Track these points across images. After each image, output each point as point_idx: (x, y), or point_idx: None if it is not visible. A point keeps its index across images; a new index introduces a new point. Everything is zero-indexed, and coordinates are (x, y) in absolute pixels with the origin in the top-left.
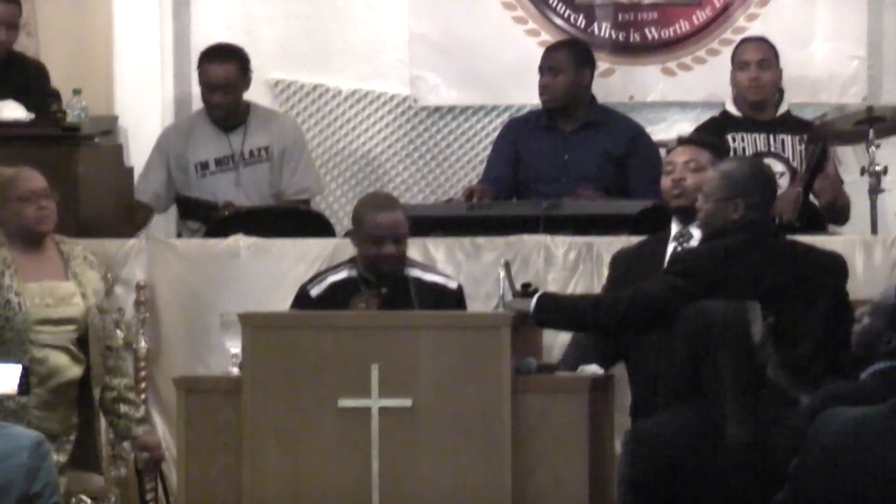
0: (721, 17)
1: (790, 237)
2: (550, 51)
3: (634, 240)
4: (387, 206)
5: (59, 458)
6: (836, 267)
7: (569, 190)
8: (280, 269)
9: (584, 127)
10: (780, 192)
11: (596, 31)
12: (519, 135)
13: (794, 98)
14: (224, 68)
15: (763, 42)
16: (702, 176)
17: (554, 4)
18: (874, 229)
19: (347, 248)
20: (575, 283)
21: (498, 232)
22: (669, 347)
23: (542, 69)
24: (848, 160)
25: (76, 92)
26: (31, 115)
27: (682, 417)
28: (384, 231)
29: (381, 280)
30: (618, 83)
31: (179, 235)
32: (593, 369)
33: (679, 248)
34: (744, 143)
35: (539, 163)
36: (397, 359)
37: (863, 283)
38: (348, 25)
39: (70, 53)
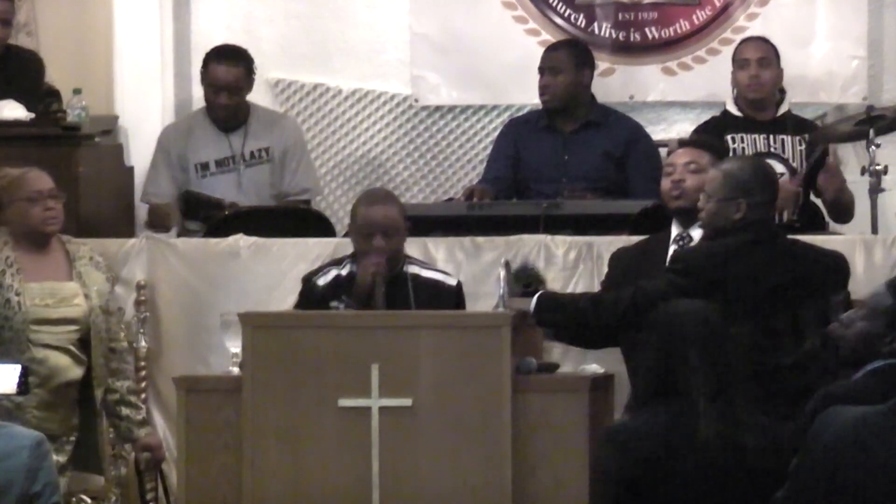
0: (721, 16)
1: (791, 237)
2: (550, 51)
3: (634, 240)
4: (379, 200)
5: (59, 458)
6: (837, 267)
7: (570, 190)
8: (280, 269)
9: (583, 127)
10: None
11: (596, 31)
12: (519, 135)
13: (794, 98)
14: (231, 70)
15: (763, 41)
16: (702, 177)
17: (554, 4)
18: (874, 229)
19: (347, 248)
20: (575, 282)
21: (498, 232)
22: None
23: (542, 69)
24: (848, 160)
25: (76, 92)
26: (32, 115)
27: (654, 416)
28: (374, 224)
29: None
30: (618, 83)
31: (180, 235)
32: (593, 369)
33: (678, 248)
34: (744, 143)
35: (539, 163)
36: (397, 358)
37: (863, 283)
38: (349, 25)
39: (70, 53)
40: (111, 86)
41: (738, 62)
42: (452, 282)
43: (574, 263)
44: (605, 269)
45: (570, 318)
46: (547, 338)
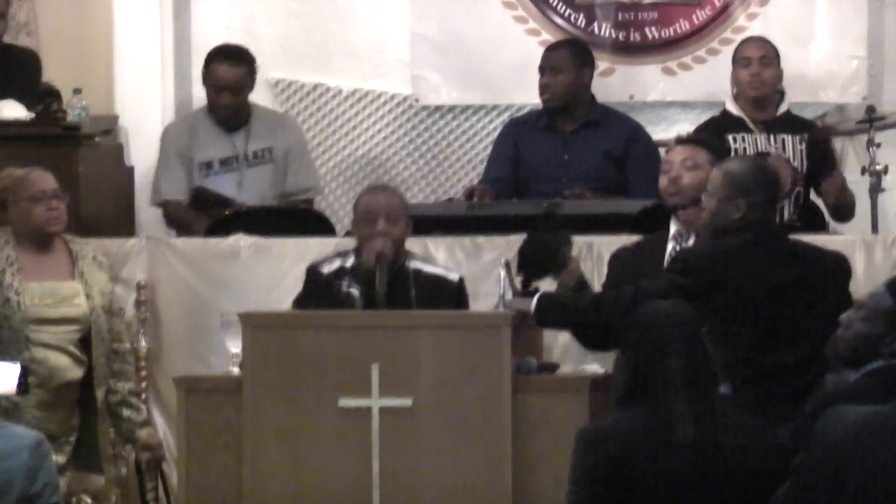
0: (721, 16)
1: (793, 237)
2: (551, 50)
3: (635, 239)
4: (381, 189)
5: (59, 458)
6: (839, 267)
7: (569, 189)
8: (280, 269)
9: (583, 126)
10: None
11: (596, 31)
12: (519, 135)
13: (794, 98)
14: (233, 70)
15: (765, 41)
16: (699, 174)
17: (554, 4)
18: (875, 229)
19: (348, 248)
20: None
21: (498, 231)
22: None
23: (542, 69)
24: (848, 160)
25: (76, 91)
26: (32, 115)
27: (631, 418)
28: (376, 209)
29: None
30: (618, 83)
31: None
32: (594, 369)
33: (678, 248)
34: (744, 143)
35: (539, 163)
36: (398, 358)
37: (863, 283)
38: (349, 25)
39: (70, 53)
40: (111, 86)
41: (740, 61)
42: (455, 277)
43: None
44: (606, 269)
45: (571, 319)
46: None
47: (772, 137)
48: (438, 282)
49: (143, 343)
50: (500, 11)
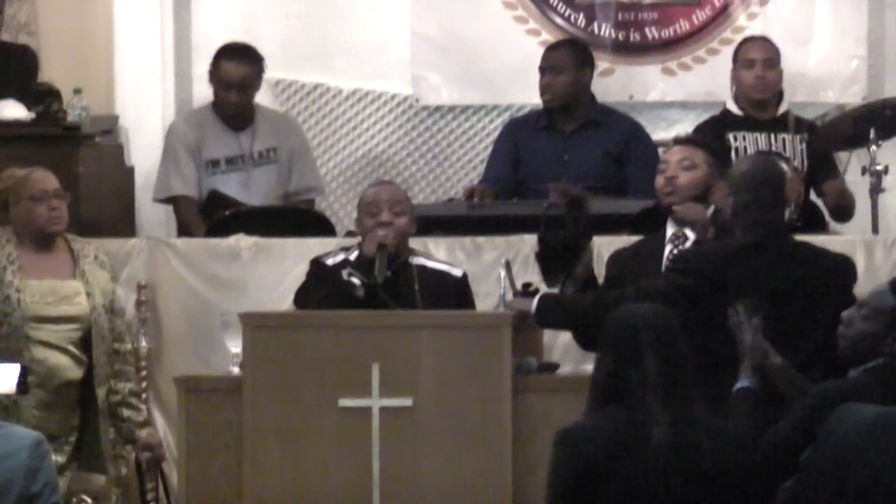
0: (721, 16)
1: (800, 238)
2: (551, 50)
3: (634, 240)
4: (384, 183)
5: (59, 458)
6: (843, 270)
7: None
8: (281, 269)
9: (583, 126)
10: None
11: (596, 31)
12: (519, 135)
13: (794, 98)
14: (241, 68)
15: (767, 41)
16: (695, 174)
17: (554, 4)
18: (875, 229)
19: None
20: None
21: (499, 231)
22: None
23: (542, 69)
24: (849, 160)
25: (77, 91)
26: (32, 115)
27: (607, 419)
28: (380, 199)
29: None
30: (618, 83)
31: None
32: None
33: (676, 251)
34: (744, 142)
35: (539, 162)
36: (398, 358)
37: (864, 283)
38: (349, 25)
39: (70, 53)
40: (111, 86)
41: (743, 62)
42: (458, 273)
43: None
44: (605, 264)
45: (572, 319)
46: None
47: (773, 137)
48: (442, 277)
49: (144, 343)
50: (501, 11)
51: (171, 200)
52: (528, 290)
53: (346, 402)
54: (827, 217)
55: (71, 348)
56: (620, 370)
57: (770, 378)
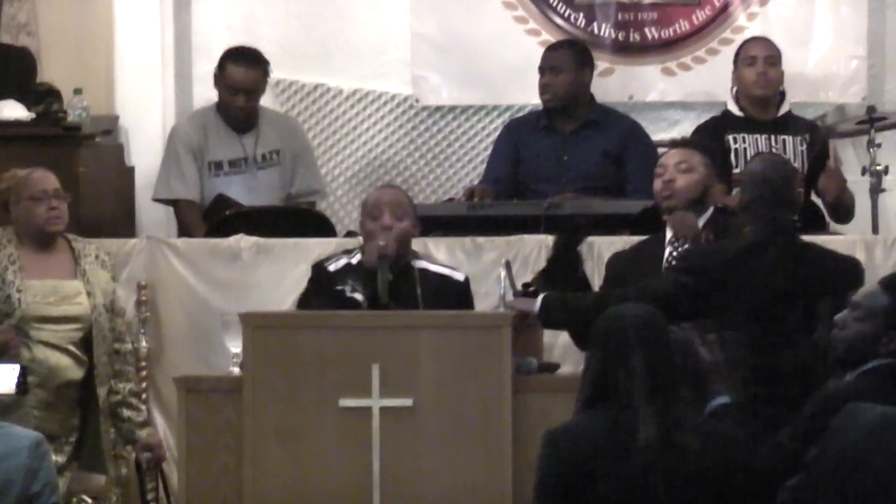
0: (721, 16)
1: (808, 240)
2: (551, 50)
3: (635, 240)
4: (389, 186)
5: (59, 458)
6: (850, 272)
7: (568, 189)
8: (281, 270)
9: (583, 127)
10: None
11: (596, 31)
12: (519, 135)
13: (794, 98)
14: (249, 72)
15: (768, 41)
16: (693, 177)
17: (554, 4)
18: (875, 229)
19: (352, 247)
20: None
21: (499, 232)
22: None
23: (542, 69)
24: (849, 160)
25: (77, 91)
26: (32, 115)
27: (595, 419)
28: (382, 203)
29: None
30: (617, 83)
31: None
32: None
33: (675, 252)
34: (745, 143)
35: (538, 163)
36: (398, 358)
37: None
38: (349, 25)
39: (70, 53)
40: (112, 86)
41: (745, 60)
42: (460, 277)
43: None
44: (605, 266)
45: (575, 318)
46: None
47: (773, 138)
48: (444, 281)
49: (144, 343)
50: (501, 12)
51: (171, 202)
52: (528, 290)
53: (346, 402)
54: (827, 217)
55: (72, 348)
56: (608, 370)
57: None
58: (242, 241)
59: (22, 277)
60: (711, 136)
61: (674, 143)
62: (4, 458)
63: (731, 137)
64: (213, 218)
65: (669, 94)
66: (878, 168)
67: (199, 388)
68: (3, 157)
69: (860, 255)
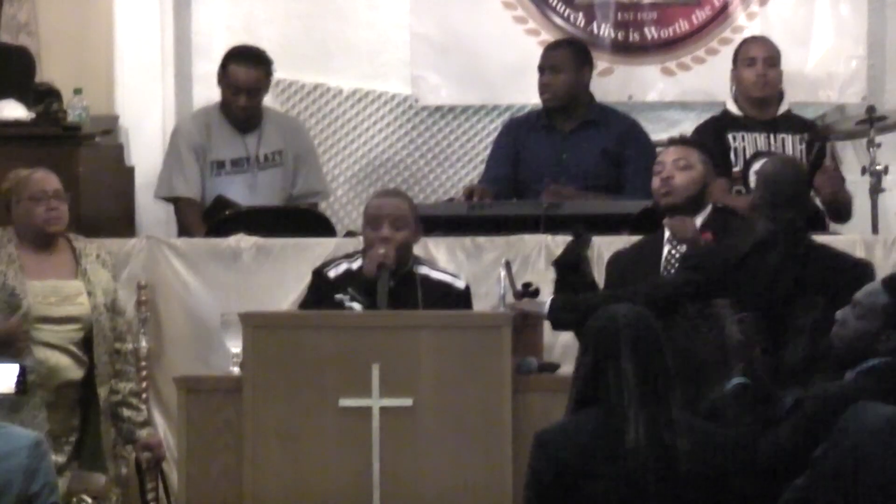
0: (720, 16)
1: (820, 241)
2: (551, 49)
3: (635, 240)
4: (390, 194)
5: (58, 458)
6: (859, 274)
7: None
8: (281, 269)
9: (582, 126)
10: None
11: (595, 31)
12: (518, 135)
13: (794, 98)
14: (251, 72)
15: (768, 41)
16: (691, 174)
17: (554, 4)
18: (875, 229)
19: (348, 249)
20: None
21: (499, 231)
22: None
23: (542, 68)
24: (849, 160)
25: (77, 91)
26: (32, 115)
27: (585, 420)
28: (382, 213)
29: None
30: (617, 83)
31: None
32: None
33: (675, 251)
34: (744, 142)
35: (538, 162)
36: (398, 358)
37: None
38: (349, 25)
39: (70, 53)
40: (111, 86)
41: (744, 60)
42: (461, 285)
43: None
44: (605, 267)
45: (585, 319)
46: None
47: (772, 137)
48: (445, 288)
49: (144, 343)
50: (500, 11)
51: (172, 200)
52: (528, 290)
53: (346, 403)
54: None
55: (72, 348)
56: (599, 370)
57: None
58: (242, 241)
59: (23, 277)
60: (711, 136)
61: (671, 141)
62: (4, 458)
63: (730, 136)
64: (213, 218)
65: (669, 94)
66: (877, 168)
67: (199, 388)
68: (3, 157)
69: (860, 255)
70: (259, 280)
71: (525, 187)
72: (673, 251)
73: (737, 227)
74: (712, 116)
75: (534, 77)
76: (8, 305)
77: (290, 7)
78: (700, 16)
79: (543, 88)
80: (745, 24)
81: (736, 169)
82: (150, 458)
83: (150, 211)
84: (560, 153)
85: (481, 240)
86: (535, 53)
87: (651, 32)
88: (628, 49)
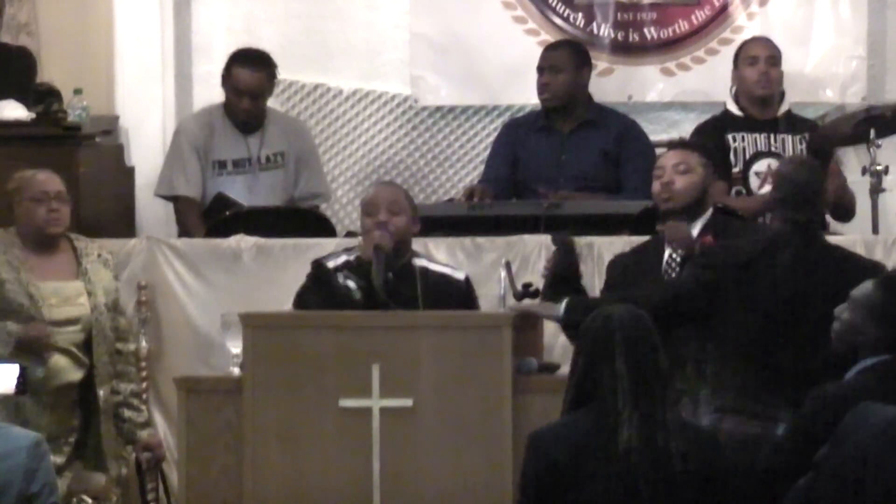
0: (720, 16)
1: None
2: (550, 49)
3: (635, 240)
4: (387, 183)
5: (57, 459)
6: (871, 276)
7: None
8: (281, 270)
9: (581, 126)
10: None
11: (595, 31)
12: (517, 135)
13: (794, 98)
14: (255, 75)
15: (769, 40)
16: (692, 178)
17: (553, 4)
18: (875, 229)
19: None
20: None
21: (499, 232)
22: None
23: (541, 68)
24: (849, 160)
25: (77, 92)
26: (32, 115)
27: (579, 421)
28: (379, 200)
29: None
30: (616, 83)
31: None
32: None
33: (675, 254)
34: (744, 143)
35: (537, 163)
36: (398, 359)
37: None
38: (349, 25)
39: (71, 53)
40: (112, 86)
41: (746, 59)
42: (461, 276)
43: None
44: (605, 269)
45: None
46: None
47: (772, 137)
48: (445, 280)
49: (144, 343)
50: (500, 12)
51: (172, 199)
52: (528, 291)
53: (346, 403)
54: (828, 217)
55: (72, 350)
56: (593, 371)
57: None
58: (243, 242)
59: (32, 279)
60: (711, 136)
61: (671, 145)
62: (3, 459)
63: (730, 137)
64: (213, 217)
65: (668, 95)
66: (878, 168)
67: (199, 388)
68: (4, 157)
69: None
70: (259, 281)
71: (524, 188)
72: (674, 254)
73: (737, 228)
74: (712, 117)
75: (533, 77)
76: (23, 308)
77: (290, 7)
78: (700, 16)
79: (542, 88)
80: (745, 25)
81: (736, 169)
82: (150, 459)
83: (151, 211)
84: (559, 153)
85: (481, 240)
86: (534, 54)
87: (651, 33)
88: (628, 49)
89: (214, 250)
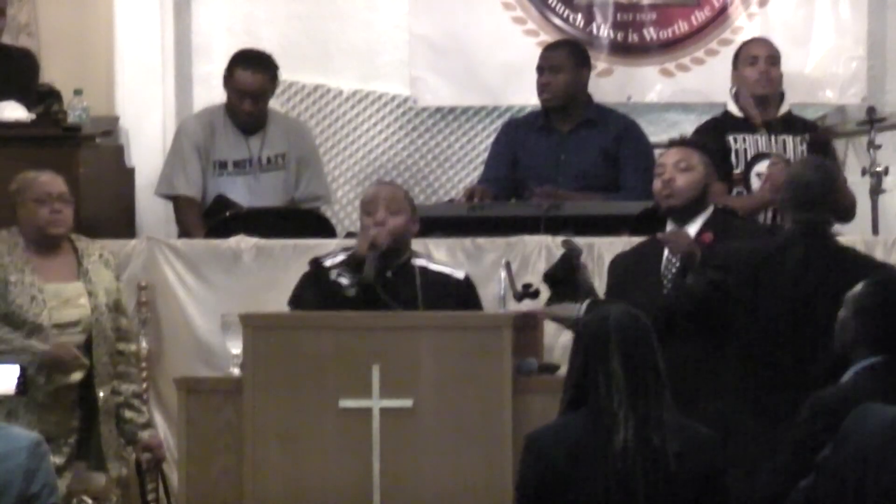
0: (720, 17)
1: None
2: (550, 49)
3: (635, 240)
4: (386, 182)
5: (57, 459)
6: None
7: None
8: (281, 270)
9: (580, 126)
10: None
11: (594, 32)
12: (516, 135)
13: (794, 98)
14: (256, 77)
15: (768, 41)
16: (693, 176)
17: (553, 5)
18: (875, 230)
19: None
20: None
21: (499, 232)
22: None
23: (541, 68)
24: (849, 161)
25: (77, 92)
26: (32, 116)
27: (575, 422)
28: (377, 198)
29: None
30: (616, 83)
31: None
32: None
33: (672, 258)
34: (745, 144)
35: (536, 163)
36: (398, 359)
37: None
38: (349, 26)
39: (71, 53)
40: (112, 86)
41: (746, 59)
42: (460, 275)
43: None
44: (606, 269)
45: None
46: None
47: (773, 138)
48: (444, 279)
49: (144, 344)
50: (499, 12)
51: (172, 198)
52: (528, 291)
53: (346, 403)
54: None
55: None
56: (590, 372)
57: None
58: (243, 243)
59: (36, 280)
60: (712, 137)
61: (672, 143)
62: (3, 459)
63: (731, 138)
64: (213, 218)
65: (668, 95)
66: (878, 169)
67: (200, 388)
68: (4, 158)
69: None
70: (259, 281)
71: (523, 188)
72: (672, 258)
73: (737, 227)
74: (713, 117)
75: (533, 78)
76: (23, 310)
77: (290, 8)
78: (699, 17)
79: (542, 88)
80: (745, 25)
81: (738, 171)
82: (151, 459)
83: (151, 212)
84: (558, 153)
85: (481, 241)
86: (533, 54)
87: (650, 33)
88: (627, 50)
89: (214, 251)
